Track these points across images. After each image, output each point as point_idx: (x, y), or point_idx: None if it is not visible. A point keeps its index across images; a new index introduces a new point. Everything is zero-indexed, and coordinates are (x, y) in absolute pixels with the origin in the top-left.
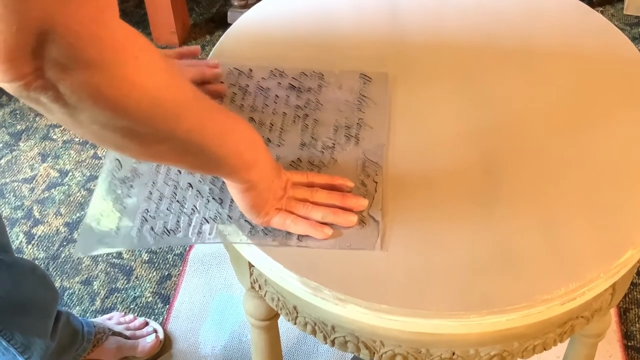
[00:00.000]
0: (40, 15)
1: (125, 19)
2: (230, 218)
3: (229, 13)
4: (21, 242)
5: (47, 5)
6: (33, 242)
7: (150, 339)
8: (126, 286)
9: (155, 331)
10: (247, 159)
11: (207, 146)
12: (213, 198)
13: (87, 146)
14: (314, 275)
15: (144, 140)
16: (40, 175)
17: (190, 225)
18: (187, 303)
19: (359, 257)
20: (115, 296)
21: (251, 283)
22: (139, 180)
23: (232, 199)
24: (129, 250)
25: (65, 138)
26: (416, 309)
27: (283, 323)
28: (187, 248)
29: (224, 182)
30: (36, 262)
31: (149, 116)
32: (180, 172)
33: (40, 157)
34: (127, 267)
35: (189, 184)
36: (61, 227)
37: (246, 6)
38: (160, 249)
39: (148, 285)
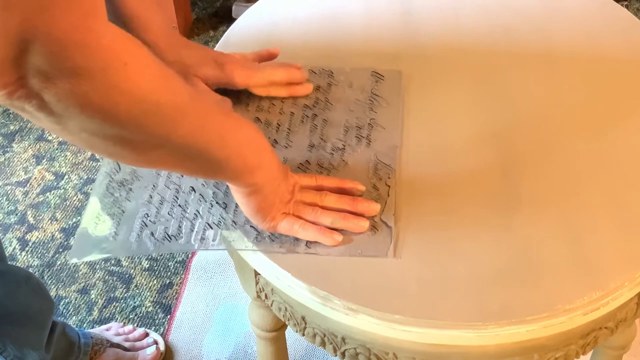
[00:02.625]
0: (20, 23)
1: None
2: (235, 223)
3: (233, 7)
4: (14, 248)
5: (28, 13)
6: (27, 248)
7: (150, 351)
8: (125, 295)
9: (155, 342)
10: (251, 161)
11: (206, 149)
12: (217, 202)
13: None
14: (323, 284)
15: (138, 147)
16: (35, 178)
17: (192, 230)
18: (189, 313)
19: (371, 265)
20: (114, 306)
21: (257, 292)
22: (139, 183)
23: (237, 204)
24: (128, 257)
25: (61, 139)
26: (431, 319)
27: (291, 334)
28: (190, 255)
29: (228, 186)
30: (30, 269)
31: (142, 122)
32: (182, 175)
33: (34, 159)
34: (126, 275)
35: (192, 187)
36: (57, 233)
37: (252, 0)
38: (161, 255)
39: (148, 294)
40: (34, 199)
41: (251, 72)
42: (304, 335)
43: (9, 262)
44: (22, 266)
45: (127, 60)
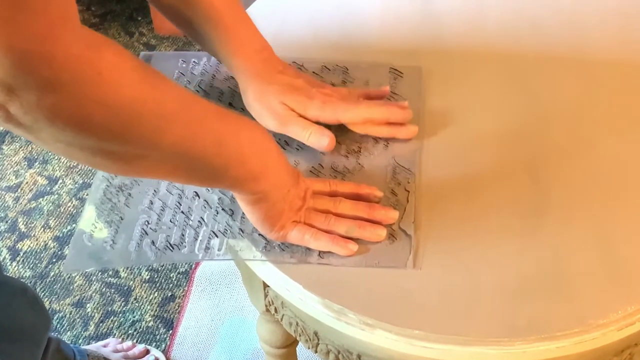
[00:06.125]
0: None
1: (124, 6)
2: (242, 232)
3: None
4: (4, 258)
5: None
6: (18, 258)
7: None
8: (124, 309)
9: None
10: (254, 167)
11: (201, 157)
12: (223, 209)
13: None
14: (337, 297)
15: (120, 157)
16: (27, 182)
17: (196, 239)
18: (193, 328)
19: (389, 276)
20: (112, 320)
21: (266, 305)
22: (139, 187)
23: None
24: (127, 268)
25: None
26: (454, 335)
27: (302, 351)
28: (193, 265)
29: None
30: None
31: (121, 134)
32: None
33: (26, 162)
34: (125, 287)
35: (196, 193)
36: (50, 241)
37: None
38: (162, 266)
39: (149, 307)
40: (25, 205)
41: (346, 105)
42: (316, 352)
43: (4, 274)
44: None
45: (102, 69)
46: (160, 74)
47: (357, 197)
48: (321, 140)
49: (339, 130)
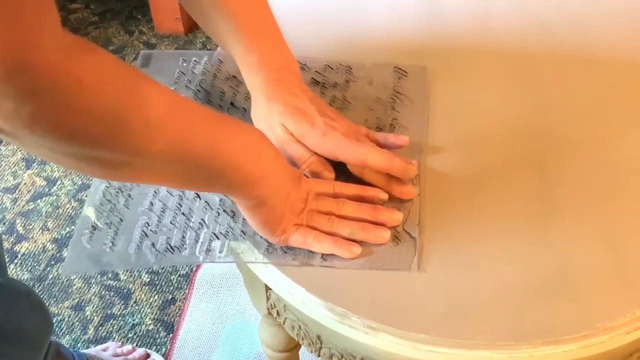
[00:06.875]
0: None
1: (123, 4)
2: (244, 234)
3: None
4: None
5: None
6: (16, 261)
7: None
8: (123, 312)
9: None
10: (251, 171)
11: (194, 163)
12: (224, 210)
13: None
14: (340, 300)
15: (107, 164)
16: (25, 183)
17: (197, 241)
18: (193, 331)
19: (393, 279)
20: (111, 323)
21: (268, 309)
22: (139, 189)
23: None
24: (127, 270)
25: None
26: (459, 339)
27: (304, 354)
28: (194, 268)
29: None
30: None
31: (105, 141)
32: None
33: (24, 163)
34: (125, 290)
35: (196, 194)
36: (48, 243)
37: None
38: (162, 269)
39: (149, 310)
40: (23, 206)
41: (347, 142)
42: (319, 355)
43: (10, 277)
44: None
45: (82, 76)
46: (149, 79)
47: (360, 199)
48: (318, 177)
49: None
